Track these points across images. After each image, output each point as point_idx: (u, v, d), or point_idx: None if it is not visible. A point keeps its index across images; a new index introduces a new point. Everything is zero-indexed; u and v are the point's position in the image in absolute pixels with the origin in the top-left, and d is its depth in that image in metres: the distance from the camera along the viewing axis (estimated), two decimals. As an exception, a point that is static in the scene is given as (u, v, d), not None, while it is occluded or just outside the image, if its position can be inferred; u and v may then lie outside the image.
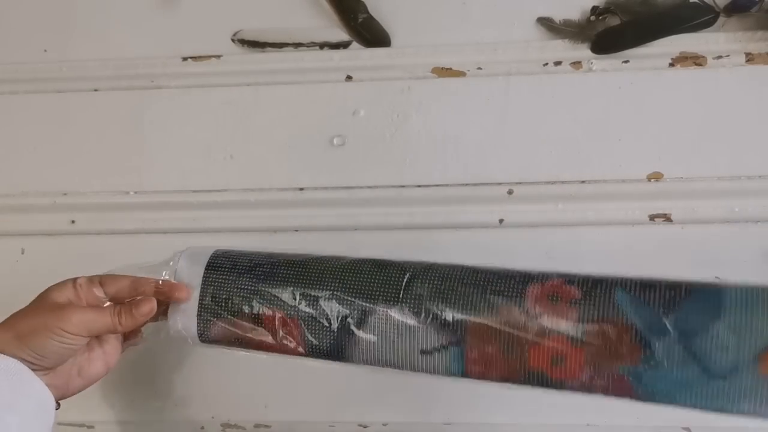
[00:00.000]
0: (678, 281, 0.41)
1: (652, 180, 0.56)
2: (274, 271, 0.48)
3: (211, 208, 0.60)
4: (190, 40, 0.62)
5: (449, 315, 0.43)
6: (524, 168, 0.57)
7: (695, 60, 0.57)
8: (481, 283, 0.44)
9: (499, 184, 0.57)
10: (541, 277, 0.43)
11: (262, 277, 0.48)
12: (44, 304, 0.46)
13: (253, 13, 0.62)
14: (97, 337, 0.48)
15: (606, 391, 0.41)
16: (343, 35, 0.61)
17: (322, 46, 0.61)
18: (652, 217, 0.56)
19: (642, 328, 0.39)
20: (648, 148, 0.57)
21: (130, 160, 0.62)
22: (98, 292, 0.48)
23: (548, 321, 0.41)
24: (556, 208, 0.57)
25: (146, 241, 0.60)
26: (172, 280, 0.50)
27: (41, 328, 0.43)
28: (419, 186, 0.58)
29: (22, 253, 0.62)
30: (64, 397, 0.46)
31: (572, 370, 0.41)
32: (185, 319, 0.49)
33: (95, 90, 0.63)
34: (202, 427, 0.59)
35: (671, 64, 0.57)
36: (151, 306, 0.46)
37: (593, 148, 0.57)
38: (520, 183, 0.57)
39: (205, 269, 0.49)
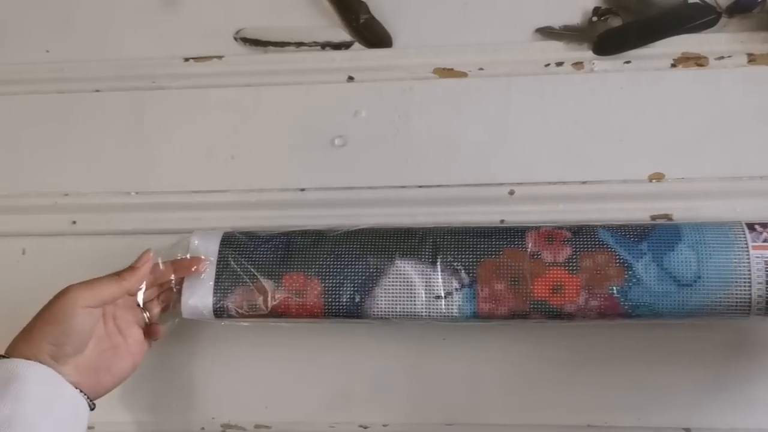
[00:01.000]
0: (642, 223, 0.51)
1: (654, 180, 0.56)
2: (291, 240, 0.53)
3: (213, 208, 0.60)
4: (192, 41, 0.62)
5: (461, 261, 0.50)
6: (526, 168, 0.57)
7: (697, 60, 0.57)
8: (486, 234, 0.51)
9: (501, 184, 0.57)
10: (535, 227, 0.51)
11: (281, 246, 0.52)
12: (47, 304, 0.47)
13: (255, 15, 0.62)
14: (120, 333, 0.50)
15: (599, 311, 0.48)
16: (345, 36, 0.61)
17: (324, 45, 0.61)
18: (654, 218, 0.56)
19: (624, 253, 0.48)
20: (649, 148, 0.57)
21: (131, 160, 0.62)
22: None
23: (547, 256, 0.49)
24: (558, 209, 0.57)
25: (147, 241, 0.59)
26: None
27: (53, 317, 0.44)
28: (420, 186, 0.58)
29: (23, 253, 0.62)
30: (97, 396, 0.48)
31: (570, 295, 0.48)
32: (201, 292, 0.52)
33: (96, 90, 0.63)
34: (203, 428, 0.59)
35: (673, 65, 0.57)
36: (147, 255, 0.50)
37: (595, 149, 0.57)
38: (521, 183, 0.57)
39: (221, 244, 0.53)
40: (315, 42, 0.61)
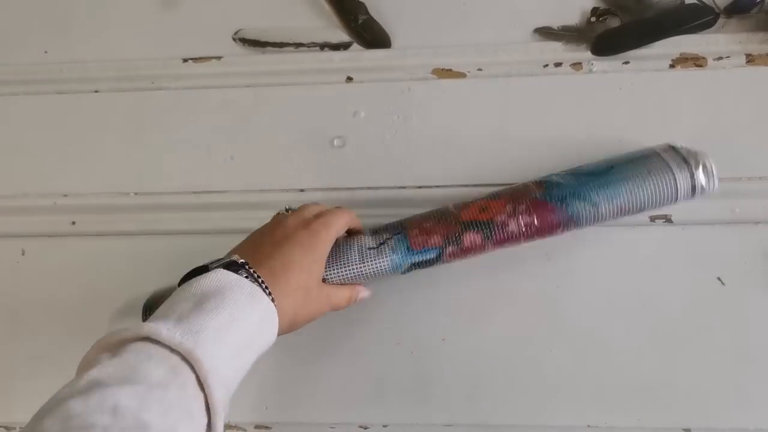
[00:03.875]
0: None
1: (653, 181, 0.56)
2: None
3: (212, 209, 0.60)
4: (191, 42, 0.62)
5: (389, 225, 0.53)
6: (524, 169, 0.57)
7: (695, 61, 0.57)
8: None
9: (500, 185, 0.57)
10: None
11: None
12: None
13: (254, 15, 0.62)
14: None
15: (529, 213, 0.50)
16: (343, 36, 0.61)
17: (323, 46, 0.61)
18: (653, 218, 0.56)
19: (538, 179, 0.52)
20: (648, 149, 0.57)
21: (130, 161, 0.62)
22: None
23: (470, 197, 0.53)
24: (557, 209, 0.57)
25: (147, 242, 0.60)
26: None
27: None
28: (420, 187, 0.58)
29: (23, 254, 0.62)
30: None
31: (497, 209, 0.51)
32: None
33: (96, 91, 0.63)
34: (203, 429, 0.59)
35: (671, 65, 0.57)
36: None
37: (593, 149, 0.57)
38: (520, 184, 0.57)
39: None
40: (313, 42, 0.61)
